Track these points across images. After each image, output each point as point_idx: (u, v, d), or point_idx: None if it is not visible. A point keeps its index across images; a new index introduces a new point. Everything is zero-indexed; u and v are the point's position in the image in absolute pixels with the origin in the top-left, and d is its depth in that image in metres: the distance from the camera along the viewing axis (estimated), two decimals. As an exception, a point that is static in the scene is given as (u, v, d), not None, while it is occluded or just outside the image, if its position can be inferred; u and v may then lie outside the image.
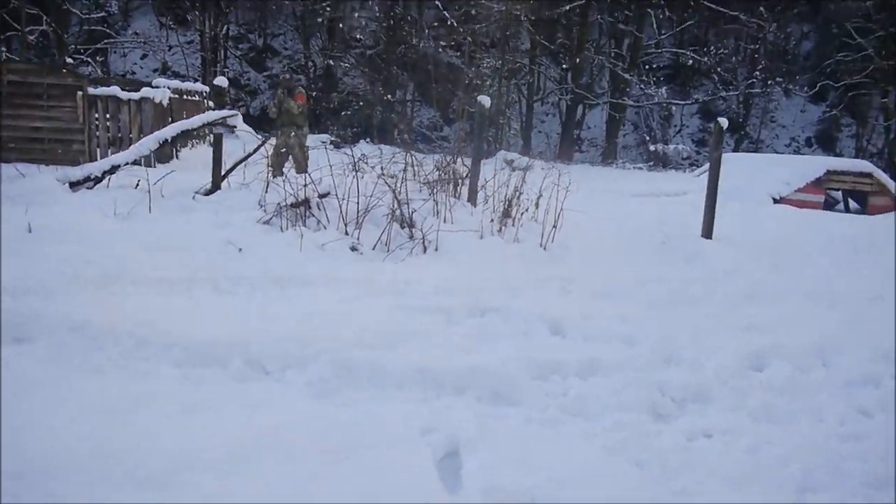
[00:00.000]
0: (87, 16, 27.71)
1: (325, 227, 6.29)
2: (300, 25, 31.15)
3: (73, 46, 29.11)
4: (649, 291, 5.58)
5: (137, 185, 6.95)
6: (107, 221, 6.08)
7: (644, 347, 4.22)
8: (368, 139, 25.11)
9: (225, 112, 6.86)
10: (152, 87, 11.48)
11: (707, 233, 7.64)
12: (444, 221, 6.64)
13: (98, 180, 6.85)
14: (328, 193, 6.60)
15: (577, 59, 24.35)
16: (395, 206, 6.32)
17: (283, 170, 9.14)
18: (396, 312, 4.53)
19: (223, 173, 7.06)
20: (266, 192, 6.69)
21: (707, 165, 9.92)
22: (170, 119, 11.50)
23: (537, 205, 7.27)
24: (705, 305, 5.43)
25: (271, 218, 6.35)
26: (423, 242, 6.24)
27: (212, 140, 9.16)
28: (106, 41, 30.54)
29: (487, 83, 25.08)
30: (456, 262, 6.00)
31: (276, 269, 5.30)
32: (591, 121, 30.85)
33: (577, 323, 4.63)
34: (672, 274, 6.20)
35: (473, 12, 23.30)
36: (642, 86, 25.68)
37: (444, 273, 5.67)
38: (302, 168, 8.97)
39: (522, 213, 7.23)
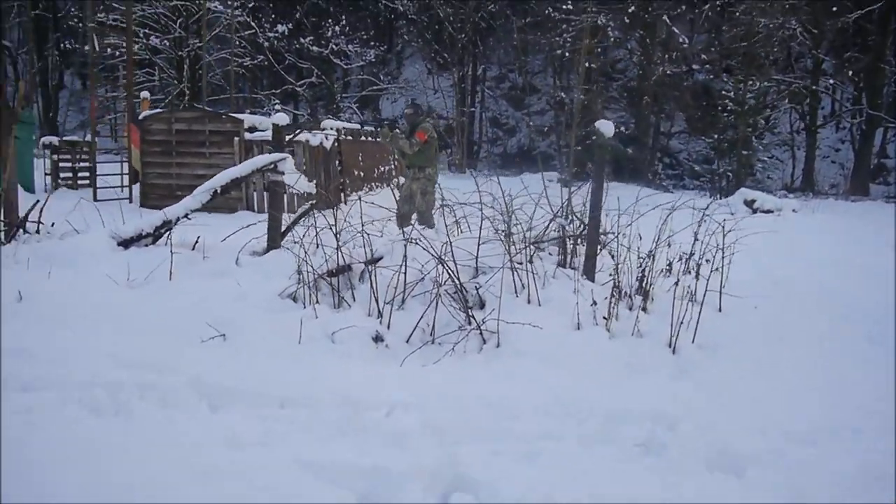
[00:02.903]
0: (348, 66, 29.17)
1: (349, 306, 4.63)
2: (552, 60, 29.90)
3: (339, 95, 31.03)
4: (823, 459, 3.06)
5: (195, 245, 5.91)
6: (112, 291, 5.05)
7: None
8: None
9: (273, 156, 5.56)
10: (320, 128, 10.78)
11: None
12: (529, 302, 4.60)
13: (154, 237, 5.93)
14: (380, 258, 4.94)
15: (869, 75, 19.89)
16: (442, 276, 4.45)
17: (412, 220, 7.68)
18: (298, 478, 2.72)
19: (283, 230, 5.75)
20: (317, 252, 5.19)
21: None
22: (336, 162, 10.69)
23: (697, 273, 4.89)
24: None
25: (296, 290, 4.85)
26: (481, 333, 4.29)
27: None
28: (371, 88, 32.07)
29: (767, 108, 21.56)
30: (515, 370, 3.96)
31: (238, 376, 3.77)
32: (902, 147, 25.32)
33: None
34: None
35: (733, 29, 20.14)
36: (968, 103, 20.18)
37: (480, 388, 3.70)
38: (426, 220, 7.39)
39: (670, 289, 4.91)
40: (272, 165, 5.55)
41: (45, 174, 13.32)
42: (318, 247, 5.22)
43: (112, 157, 15.09)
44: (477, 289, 4.58)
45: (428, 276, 4.54)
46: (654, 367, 4.03)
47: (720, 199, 14.16)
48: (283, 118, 5.61)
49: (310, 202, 5.77)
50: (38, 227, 6.19)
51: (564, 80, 30.14)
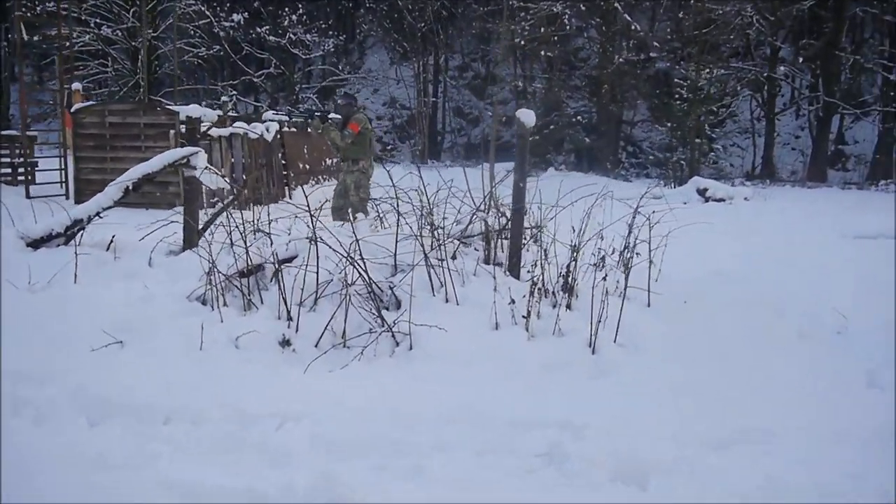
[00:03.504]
0: (307, 56, 28.64)
1: (257, 308, 4.39)
2: (515, 49, 29.66)
3: (299, 85, 30.49)
4: (732, 467, 2.91)
5: (110, 245, 5.62)
6: (10, 296, 4.74)
7: None
8: (563, 166, 22.82)
9: (186, 150, 5.30)
10: (262, 121, 10.46)
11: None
12: (447, 301, 4.40)
13: (66, 237, 5.63)
14: (294, 257, 4.71)
15: (825, 62, 19.97)
16: (349, 276, 4.23)
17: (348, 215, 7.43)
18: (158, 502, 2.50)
19: (200, 228, 5.48)
20: (231, 252, 4.92)
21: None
22: (280, 155, 10.39)
23: (627, 266, 4.72)
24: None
25: (205, 293, 4.60)
26: (393, 336, 4.08)
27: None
28: (332, 79, 31.58)
29: (726, 96, 21.63)
30: (424, 374, 3.76)
31: (127, 387, 3.53)
32: (861, 134, 25.53)
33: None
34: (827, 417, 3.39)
35: (689, 17, 20.07)
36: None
37: (383, 395, 3.50)
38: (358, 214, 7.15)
39: (598, 284, 4.72)
40: (184, 160, 5.27)
41: (-20, 170, 12.83)
42: (231, 246, 4.96)
43: (58, 153, 14.58)
44: (391, 288, 4.37)
45: (338, 276, 4.31)
46: (572, 368, 3.85)
47: (674, 187, 14.10)
48: (196, 110, 5.35)
49: (217, 199, 5.48)
50: (-60, 229, 5.82)
51: (527, 69, 29.92)
